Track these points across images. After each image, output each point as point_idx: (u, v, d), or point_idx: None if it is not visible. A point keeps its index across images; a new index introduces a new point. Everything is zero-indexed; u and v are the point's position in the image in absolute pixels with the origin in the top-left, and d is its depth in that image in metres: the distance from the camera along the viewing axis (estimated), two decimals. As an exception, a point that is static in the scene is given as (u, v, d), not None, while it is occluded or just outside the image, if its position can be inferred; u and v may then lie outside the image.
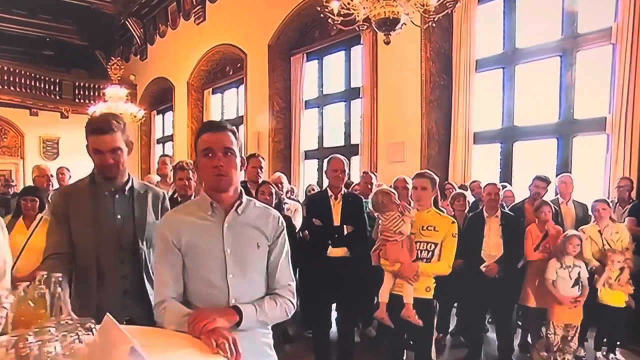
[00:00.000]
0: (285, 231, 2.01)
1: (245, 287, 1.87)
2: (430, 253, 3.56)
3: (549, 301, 4.67)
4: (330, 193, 4.36)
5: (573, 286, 4.56)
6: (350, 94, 9.86)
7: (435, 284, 3.67)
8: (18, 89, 14.28)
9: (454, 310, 5.76)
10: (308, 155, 10.89)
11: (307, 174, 10.99)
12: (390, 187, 4.55)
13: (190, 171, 4.31)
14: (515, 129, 7.49)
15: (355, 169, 9.41)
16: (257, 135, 11.31)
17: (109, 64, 13.07)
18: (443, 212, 3.96)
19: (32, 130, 14.89)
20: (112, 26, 16.03)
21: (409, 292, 3.53)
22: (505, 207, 5.49)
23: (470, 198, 6.10)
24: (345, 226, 4.24)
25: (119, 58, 13.51)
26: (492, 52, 7.73)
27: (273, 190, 4.21)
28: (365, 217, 4.43)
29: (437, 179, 3.75)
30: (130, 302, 2.32)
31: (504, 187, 6.24)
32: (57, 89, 15.14)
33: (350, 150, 9.72)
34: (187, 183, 4.32)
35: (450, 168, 7.81)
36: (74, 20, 16.23)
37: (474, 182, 6.70)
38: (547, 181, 5.57)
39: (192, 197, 4.39)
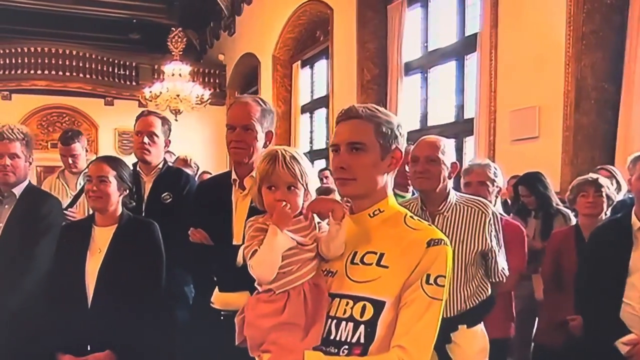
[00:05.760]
0: None
1: None
2: (362, 329, 1.31)
3: None
4: (233, 177, 2.19)
5: None
6: (464, 46, 7.02)
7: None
8: (87, 76, 12.82)
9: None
10: (410, 137, 8.06)
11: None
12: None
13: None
14: None
15: (470, 154, 6.78)
16: (344, 113, 8.86)
17: (169, 36, 11.05)
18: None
19: (107, 122, 13.28)
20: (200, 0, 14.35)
21: None
22: None
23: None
24: None
25: (180, 29, 11.45)
26: None
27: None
28: None
29: (395, 123, 1.46)
30: None
31: None
32: (134, 74, 13.40)
33: (463, 128, 7.02)
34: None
35: (618, 145, 4.61)
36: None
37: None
38: None
39: None
